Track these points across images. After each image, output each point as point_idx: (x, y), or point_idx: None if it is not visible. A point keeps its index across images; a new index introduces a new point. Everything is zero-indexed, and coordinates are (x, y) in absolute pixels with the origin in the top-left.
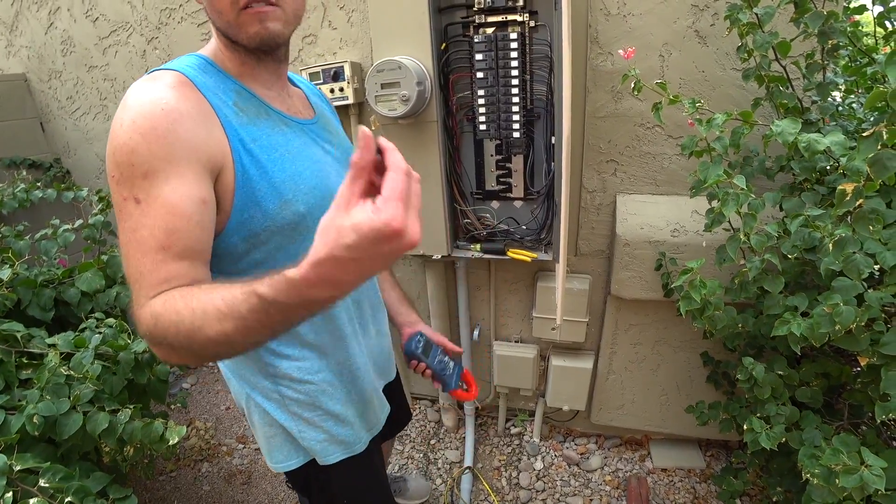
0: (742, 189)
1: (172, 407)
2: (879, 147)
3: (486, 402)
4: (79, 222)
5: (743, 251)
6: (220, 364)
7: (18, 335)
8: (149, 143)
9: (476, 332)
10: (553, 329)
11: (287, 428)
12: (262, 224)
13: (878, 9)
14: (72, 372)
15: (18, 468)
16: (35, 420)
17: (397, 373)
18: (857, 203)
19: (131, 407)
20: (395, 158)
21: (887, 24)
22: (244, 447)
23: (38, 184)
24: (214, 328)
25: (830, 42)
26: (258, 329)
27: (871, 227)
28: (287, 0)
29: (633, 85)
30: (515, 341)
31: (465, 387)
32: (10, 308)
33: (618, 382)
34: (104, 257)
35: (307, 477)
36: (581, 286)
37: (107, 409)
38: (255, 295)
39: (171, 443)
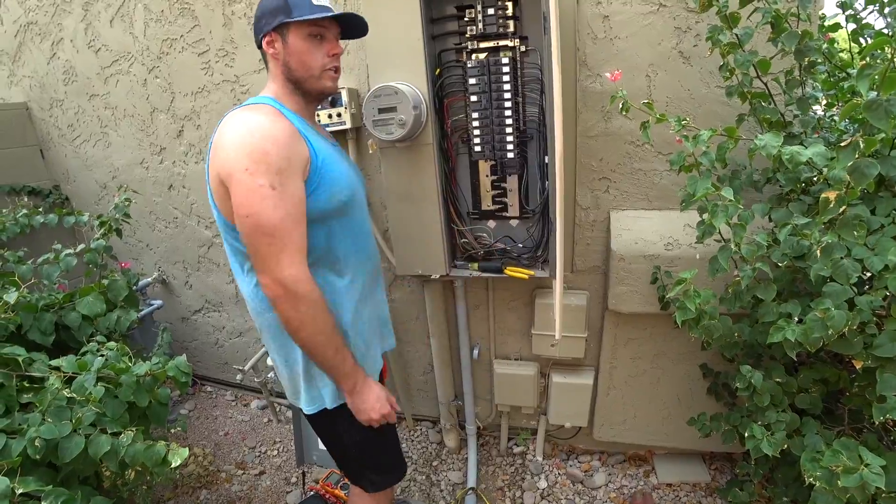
0: (730, 200)
1: (172, 431)
2: (857, 156)
3: (487, 422)
4: (81, 246)
5: (735, 261)
6: (263, 331)
7: (20, 359)
8: (278, 149)
9: (476, 351)
10: (552, 345)
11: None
12: (319, 207)
13: (853, 25)
14: (74, 395)
15: (21, 491)
16: (37, 443)
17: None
18: (841, 210)
19: (133, 429)
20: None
21: (861, 40)
22: (243, 473)
23: (39, 210)
24: (328, 341)
25: (807, 59)
26: (331, 360)
27: (855, 233)
28: (340, 68)
29: (621, 105)
30: (515, 359)
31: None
32: (11, 332)
33: (619, 397)
34: (105, 281)
35: (319, 421)
36: (579, 302)
37: (108, 432)
38: (348, 365)
39: (173, 465)
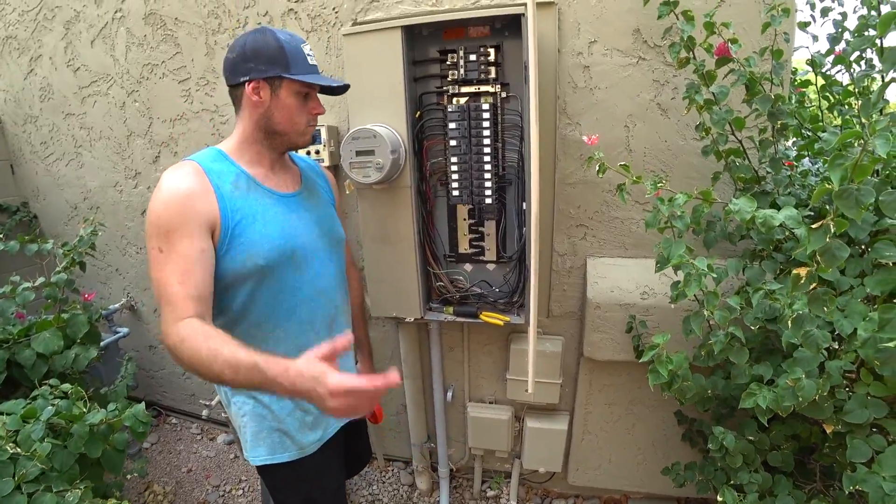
0: (703, 270)
1: (129, 477)
2: (828, 238)
3: (460, 464)
4: (40, 280)
5: (708, 322)
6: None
7: None
8: (169, 211)
9: (450, 394)
10: (526, 391)
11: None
12: (232, 268)
13: (822, 81)
14: (18, 449)
15: None
16: None
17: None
18: (811, 287)
19: (81, 487)
20: (375, 379)
21: (829, 96)
22: None
23: (0, 235)
24: (217, 368)
25: (779, 122)
26: (241, 382)
27: (825, 308)
28: None
29: (597, 168)
30: (490, 402)
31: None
32: None
33: (594, 442)
34: (65, 315)
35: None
36: (554, 348)
37: (54, 490)
38: (252, 362)
39: None
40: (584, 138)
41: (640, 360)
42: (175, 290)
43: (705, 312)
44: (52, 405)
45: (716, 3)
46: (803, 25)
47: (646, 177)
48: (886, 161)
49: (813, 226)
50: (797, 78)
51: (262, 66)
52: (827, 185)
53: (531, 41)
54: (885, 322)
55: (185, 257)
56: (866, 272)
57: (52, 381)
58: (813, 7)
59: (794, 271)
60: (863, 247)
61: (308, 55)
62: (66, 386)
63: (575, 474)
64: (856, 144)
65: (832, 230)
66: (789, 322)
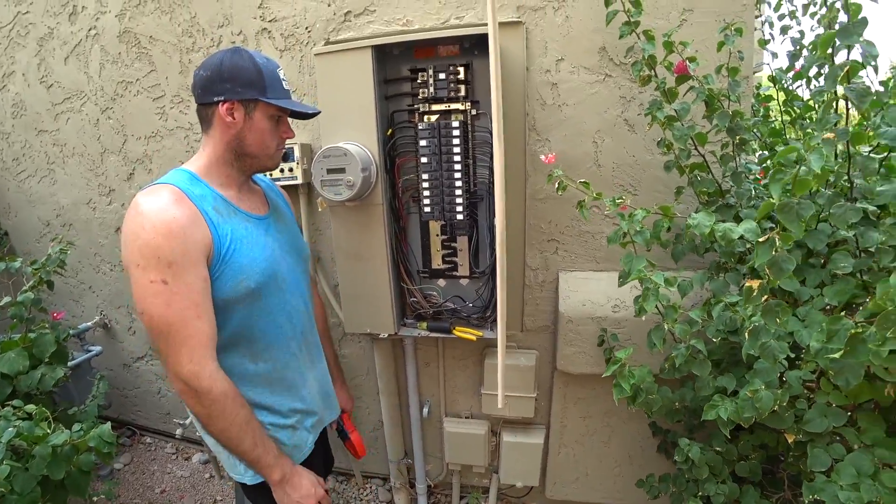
0: (660, 284)
1: (95, 499)
2: (774, 252)
3: (438, 480)
4: (6, 299)
5: (673, 334)
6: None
7: None
8: (170, 241)
9: (426, 409)
10: (500, 407)
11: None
12: (223, 294)
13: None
14: None
15: None
16: None
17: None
18: (764, 299)
19: None
20: None
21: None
22: None
23: None
24: (243, 440)
25: (738, 137)
26: (255, 453)
27: (777, 320)
28: None
29: (557, 185)
30: (466, 417)
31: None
32: None
33: (570, 456)
34: (32, 335)
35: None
36: (528, 362)
37: None
38: (270, 455)
39: None
40: (542, 157)
41: (604, 375)
42: (195, 325)
43: (666, 326)
44: (14, 426)
45: (677, 22)
46: (763, 43)
47: (615, 192)
48: (837, 175)
49: (759, 239)
50: (761, 93)
51: (238, 87)
52: (770, 201)
53: (493, 59)
54: (832, 333)
55: (194, 289)
56: (826, 283)
57: (16, 402)
58: (771, 26)
59: (747, 284)
60: (822, 258)
61: (283, 80)
62: (31, 407)
63: (552, 488)
64: (807, 157)
65: (777, 243)
66: (747, 334)
